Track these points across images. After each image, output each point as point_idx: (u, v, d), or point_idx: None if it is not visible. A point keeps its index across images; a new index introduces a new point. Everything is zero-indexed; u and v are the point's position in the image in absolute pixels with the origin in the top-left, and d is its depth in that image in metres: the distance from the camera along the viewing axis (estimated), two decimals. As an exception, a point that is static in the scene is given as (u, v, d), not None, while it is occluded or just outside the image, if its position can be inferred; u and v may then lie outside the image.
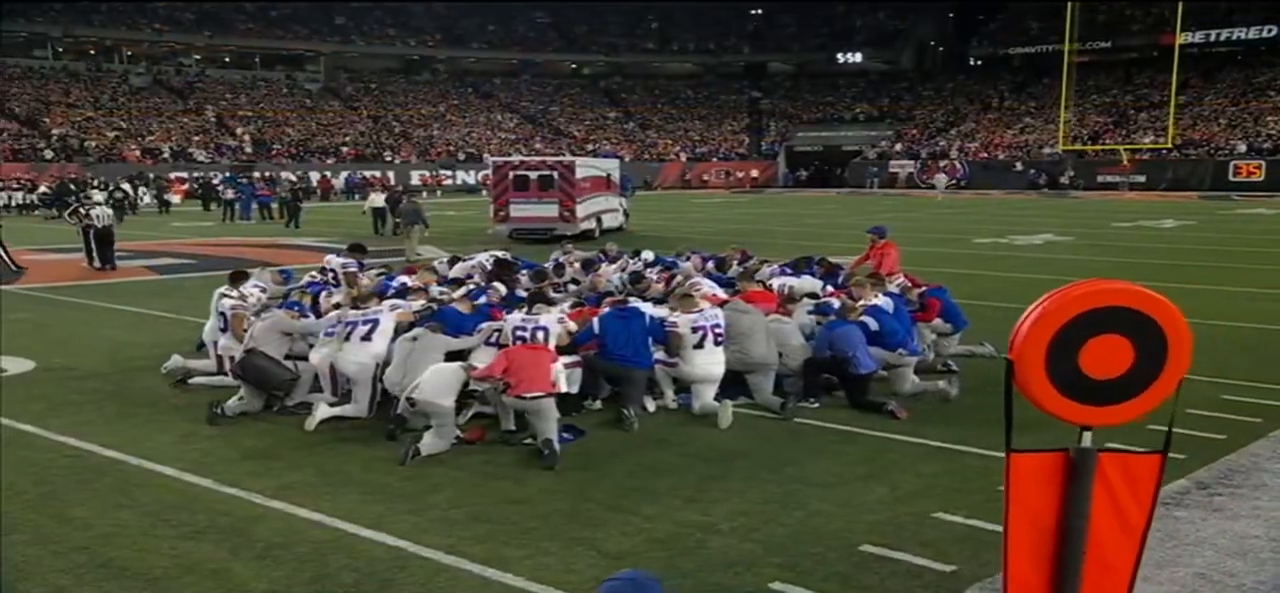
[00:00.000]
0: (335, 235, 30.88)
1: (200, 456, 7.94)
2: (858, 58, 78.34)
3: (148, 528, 6.37)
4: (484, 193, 58.21)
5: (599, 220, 31.52)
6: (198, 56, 69.60)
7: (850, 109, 74.67)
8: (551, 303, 10.52)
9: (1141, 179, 57.64)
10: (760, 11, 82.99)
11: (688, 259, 14.36)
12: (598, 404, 9.41)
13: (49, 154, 53.73)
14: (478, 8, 79.81)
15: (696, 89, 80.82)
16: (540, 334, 9.21)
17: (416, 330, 9.23)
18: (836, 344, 9.34)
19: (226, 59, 70.83)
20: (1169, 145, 56.91)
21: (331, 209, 44.57)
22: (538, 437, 7.99)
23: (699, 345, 9.22)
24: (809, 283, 12.44)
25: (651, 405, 9.44)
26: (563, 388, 8.77)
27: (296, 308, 10.49)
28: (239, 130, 62.10)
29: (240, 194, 41.47)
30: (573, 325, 9.74)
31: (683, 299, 9.92)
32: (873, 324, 9.68)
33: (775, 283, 12.42)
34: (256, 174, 48.83)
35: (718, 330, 9.31)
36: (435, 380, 8.21)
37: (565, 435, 8.36)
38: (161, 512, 6.66)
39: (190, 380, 10.23)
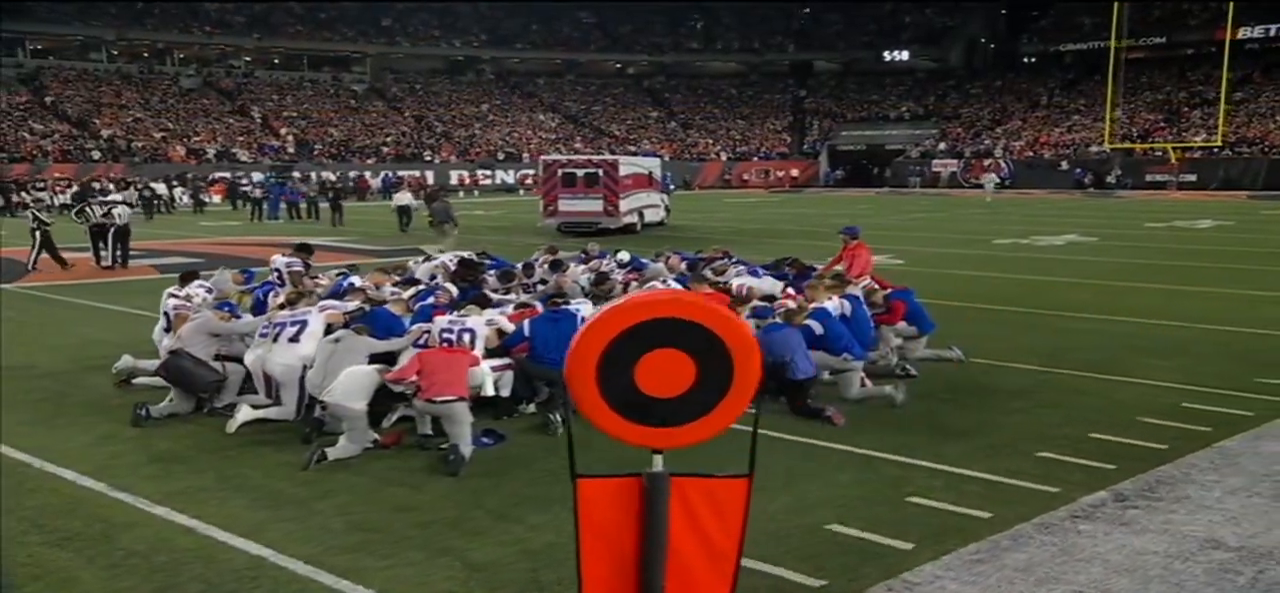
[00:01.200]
0: (355, 234, 31.60)
1: (107, 458, 7.91)
2: (904, 56, 77.32)
3: (19, 534, 6.34)
4: (521, 193, 58.94)
5: (641, 215, 33.54)
6: (248, 58, 70.74)
7: (895, 107, 73.86)
8: (486, 305, 10.36)
9: (1192, 178, 56.24)
10: (807, 10, 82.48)
11: (666, 260, 14.16)
12: (531, 408, 9.27)
13: (97, 155, 54.72)
14: (523, 8, 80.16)
15: (740, 88, 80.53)
16: (466, 336, 9.12)
17: (340, 332, 9.08)
18: (773, 348, 8.98)
19: (275, 61, 71.95)
20: (1219, 143, 55.46)
21: (367, 208, 44.93)
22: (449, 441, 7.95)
23: None
24: (769, 284, 12.19)
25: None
26: (489, 391, 8.77)
27: (227, 309, 10.38)
28: (283, 131, 62.91)
29: (268, 194, 41.97)
30: (510, 326, 9.68)
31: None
32: (817, 328, 9.49)
33: (735, 284, 12.14)
34: (296, 174, 49.37)
35: None
36: (347, 383, 8.05)
37: (485, 440, 8.29)
38: (41, 517, 6.63)
39: (134, 380, 10.17)
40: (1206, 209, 39.69)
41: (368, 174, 57.31)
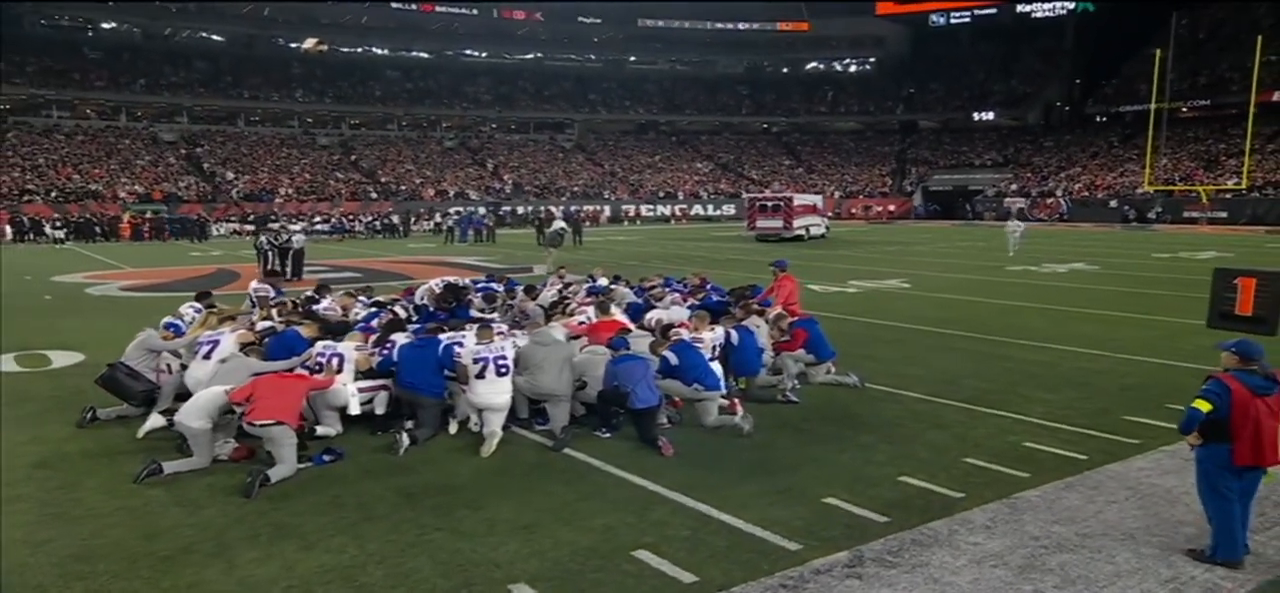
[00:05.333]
0: (498, 254, 32.44)
1: (13, 459, 7.60)
2: (990, 115, 77.41)
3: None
4: (671, 223, 63.20)
5: (808, 230, 41.54)
6: (493, 125, 76.01)
7: (980, 156, 73.88)
8: (342, 333, 9.31)
9: (1223, 215, 55.16)
10: (915, 82, 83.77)
11: (629, 283, 13.45)
12: (408, 425, 8.21)
13: (374, 194, 59.03)
14: (693, 81, 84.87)
15: (856, 141, 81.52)
16: (335, 360, 8.27)
17: (226, 353, 8.32)
18: (617, 378, 8.09)
19: (511, 126, 77.07)
20: (1246, 186, 54.48)
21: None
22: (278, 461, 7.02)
23: (480, 375, 8.09)
24: (676, 314, 10.84)
25: (453, 428, 8.41)
26: (355, 410, 8.14)
27: (172, 328, 9.63)
28: (506, 176, 67.39)
29: (459, 223, 43.83)
30: (360, 355, 8.66)
31: (481, 330, 8.73)
32: (673, 359, 8.50)
33: (652, 315, 10.90)
34: (482, 210, 52.10)
35: (501, 361, 8.17)
36: (192, 404, 7.28)
37: (324, 457, 7.50)
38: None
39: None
40: (1217, 242, 37.02)
41: (554, 207, 59.44)
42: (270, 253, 22.97)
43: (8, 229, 43.80)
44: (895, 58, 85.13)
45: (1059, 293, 19.50)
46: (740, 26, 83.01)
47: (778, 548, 5.82)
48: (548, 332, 9.09)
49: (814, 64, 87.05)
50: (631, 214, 65.12)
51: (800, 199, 43.40)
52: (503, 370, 8.19)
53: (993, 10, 78.51)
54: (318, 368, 8.25)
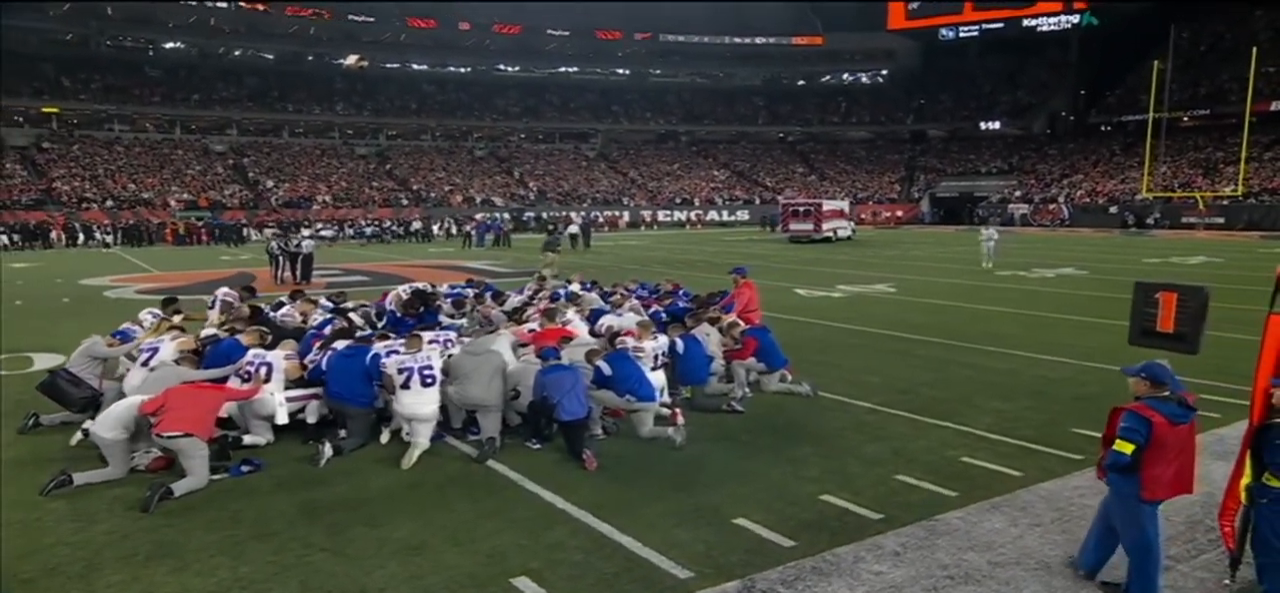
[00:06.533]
0: (507, 259, 31.11)
1: None
2: (996, 125, 75.74)
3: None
4: (687, 228, 62.63)
5: (836, 232, 43.12)
6: (522, 136, 76.00)
7: (986, 164, 72.16)
8: (298, 338, 8.95)
9: (1220, 220, 53.31)
10: (924, 93, 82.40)
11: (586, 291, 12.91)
12: (342, 433, 7.77)
13: (405, 201, 58.76)
14: (712, 93, 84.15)
15: (868, 150, 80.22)
16: (263, 369, 7.77)
17: (157, 362, 7.91)
18: (547, 389, 7.53)
19: (539, 136, 76.97)
20: (1242, 192, 52.67)
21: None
22: (191, 472, 6.60)
23: (405, 385, 7.56)
24: (628, 320, 10.22)
25: (385, 437, 7.89)
26: (282, 420, 7.61)
27: (119, 336, 9.16)
28: (531, 183, 67.11)
29: (477, 227, 42.86)
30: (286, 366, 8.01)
31: (411, 340, 8.15)
32: (606, 369, 7.93)
33: (604, 322, 10.33)
34: (505, 215, 52.23)
35: (427, 372, 7.62)
36: (109, 414, 6.86)
37: (242, 468, 7.06)
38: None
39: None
40: (1210, 247, 35.49)
41: (572, 212, 59.19)
42: (281, 258, 22.73)
43: (61, 234, 44.19)
44: (906, 70, 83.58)
45: (1040, 298, 18.57)
46: (758, 41, 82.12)
47: (667, 576, 5.29)
48: (482, 341, 8.53)
49: (828, 76, 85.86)
50: (649, 219, 64.48)
51: (828, 205, 45.31)
52: (429, 381, 7.68)
53: (1000, 24, 76.70)
54: (246, 377, 7.78)
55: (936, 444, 7.87)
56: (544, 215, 55.76)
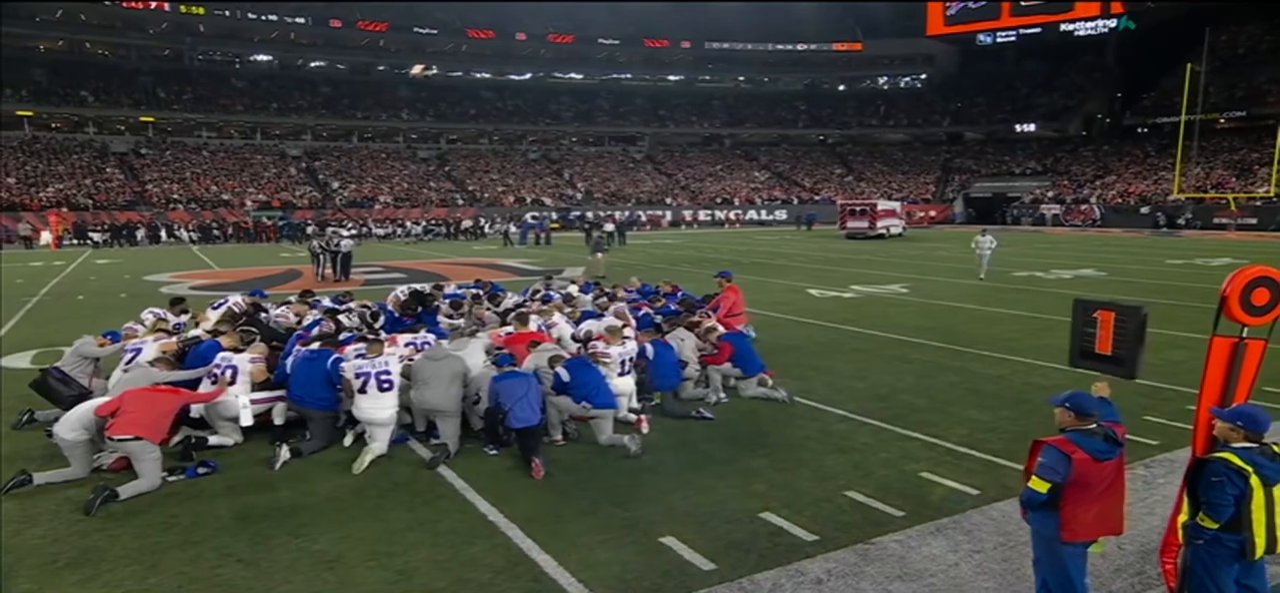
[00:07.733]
0: (543, 258, 30.46)
1: None
2: (1032, 127, 72.90)
3: None
4: (726, 227, 61.77)
5: (888, 229, 44.38)
6: (574, 139, 75.87)
7: (1021, 165, 69.55)
8: (284, 341, 8.67)
9: (1253, 221, 50.50)
10: (961, 96, 79.71)
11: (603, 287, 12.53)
12: (308, 435, 7.48)
13: (460, 201, 59.00)
14: (754, 97, 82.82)
15: (905, 152, 77.95)
16: (229, 372, 7.48)
17: (132, 364, 7.68)
18: (499, 395, 7.12)
19: (589, 140, 76.59)
20: (1275, 193, 49.65)
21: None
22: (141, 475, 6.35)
23: (362, 389, 7.21)
24: (602, 325, 9.58)
25: (349, 439, 7.56)
26: (247, 421, 7.35)
27: (109, 337, 8.83)
28: (579, 185, 66.76)
29: (520, 227, 42.30)
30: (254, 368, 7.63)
31: (372, 345, 7.74)
32: (564, 376, 7.53)
33: (584, 326, 9.82)
34: (573, 215, 52.16)
35: (384, 377, 7.23)
36: (71, 415, 6.60)
37: (198, 470, 6.77)
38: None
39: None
40: (1238, 249, 32.88)
41: (617, 212, 58.51)
42: (322, 256, 22.58)
43: (146, 232, 45.40)
44: (943, 74, 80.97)
45: (1052, 301, 17.27)
46: (799, 47, 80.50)
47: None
48: (443, 347, 8.13)
49: (867, 81, 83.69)
50: (689, 219, 63.73)
51: (882, 205, 46.54)
52: (386, 386, 7.32)
53: (1037, 29, 73.84)
54: (216, 379, 7.53)
55: (898, 457, 7.23)
56: (588, 215, 55.39)
